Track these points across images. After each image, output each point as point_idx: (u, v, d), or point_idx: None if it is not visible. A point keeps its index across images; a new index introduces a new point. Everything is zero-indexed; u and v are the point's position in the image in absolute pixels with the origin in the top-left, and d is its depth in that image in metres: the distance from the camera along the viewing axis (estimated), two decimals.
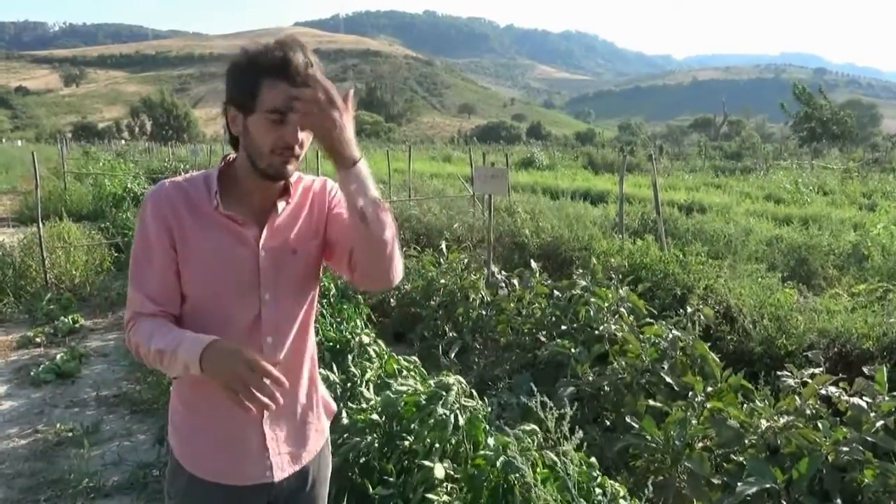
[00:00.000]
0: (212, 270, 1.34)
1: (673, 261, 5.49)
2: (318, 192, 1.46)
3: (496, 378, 3.94)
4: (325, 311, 3.95)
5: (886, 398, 2.56)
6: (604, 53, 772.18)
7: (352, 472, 2.51)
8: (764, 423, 2.60)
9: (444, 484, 2.26)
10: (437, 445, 2.40)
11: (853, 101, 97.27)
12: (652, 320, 3.83)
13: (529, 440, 2.34)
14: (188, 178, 1.38)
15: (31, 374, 4.72)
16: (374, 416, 2.60)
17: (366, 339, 3.31)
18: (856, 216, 10.60)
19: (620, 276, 4.52)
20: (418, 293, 5.27)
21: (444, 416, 2.38)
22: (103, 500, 3.19)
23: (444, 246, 6.27)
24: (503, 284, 5.05)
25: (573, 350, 3.51)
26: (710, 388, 2.99)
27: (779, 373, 3.02)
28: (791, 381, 2.87)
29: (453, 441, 2.43)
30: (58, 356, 4.92)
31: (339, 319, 3.90)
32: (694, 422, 2.70)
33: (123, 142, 60.67)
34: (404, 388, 2.65)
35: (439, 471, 2.22)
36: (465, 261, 5.75)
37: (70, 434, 3.83)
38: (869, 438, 2.41)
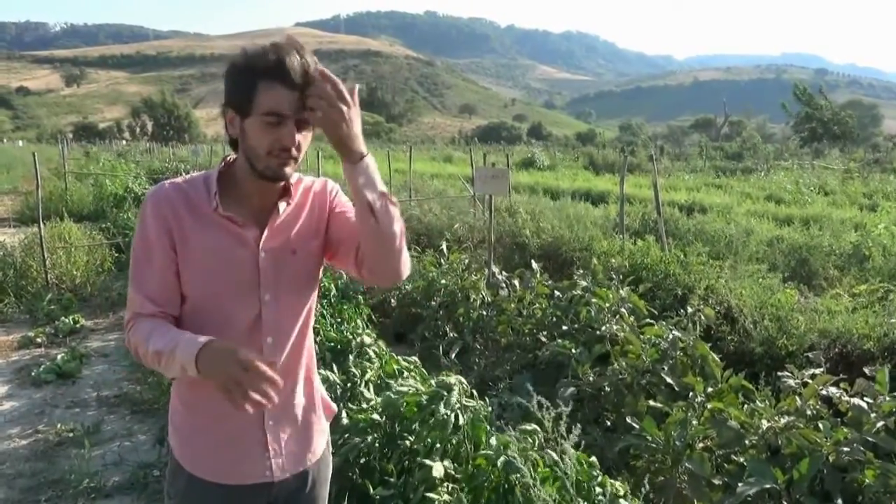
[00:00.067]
0: (211, 271, 1.34)
1: (674, 261, 5.48)
2: (318, 193, 1.46)
3: (497, 378, 3.94)
4: (325, 312, 3.95)
5: (887, 398, 2.56)
6: (605, 54, 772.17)
7: (352, 472, 2.51)
8: (765, 424, 2.60)
9: (445, 484, 2.26)
10: (437, 445, 2.41)
11: (854, 101, 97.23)
12: (652, 321, 3.83)
13: (530, 440, 2.35)
14: (188, 179, 1.39)
15: (32, 374, 4.73)
16: (375, 417, 2.60)
17: (367, 340, 3.31)
18: (857, 216, 10.60)
19: (621, 277, 4.52)
20: (419, 293, 5.27)
21: (445, 416, 2.38)
22: (104, 500, 3.19)
23: (444, 246, 6.27)
24: (504, 285, 5.05)
25: (574, 350, 3.51)
26: (710, 389, 2.99)
27: (779, 373, 3.02)
28: (792, 382, 2.87)
29: (454, 441, 2.43)
30: (58, 356, 4.93)
31: (339, 320, 3.91)
32: (694, 422, 2.70)
33: (124, 142, 60.75)
34: (405, 389, 2.65)
35: (438, 470, 2.22)
36: (466, 261, 5.75)
37: (71, 434, 3.83)
38: (870, 439, 2.41)
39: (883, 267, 6.13)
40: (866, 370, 2.86)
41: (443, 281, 5.19)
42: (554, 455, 2.21)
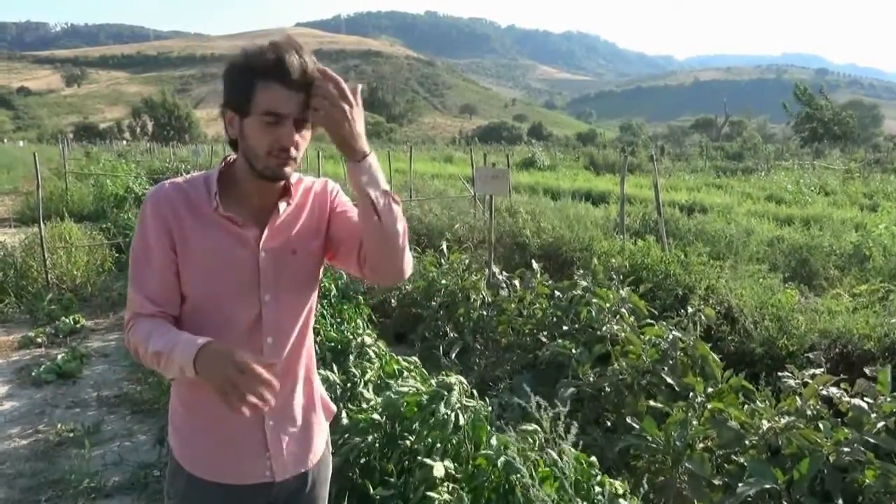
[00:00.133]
0: (211, 271, 1.34)
1: (674, 261, 5.48)
2: (319, 193, 1.46)
3: (497, 378, 3.93)
4: (325, 312, 3.95)
5: (888, 399, 2.55)
6: (605, 54, 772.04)
7: (352, 472, 2.51)
8: (765, 424, 2.59)
9: (446, 483, 2.26)
10: (438, 445, 2.40)
11: (855, 101, 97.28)
12: (653, 321, 3.83)
13: (530, 440, 2.34)
14: (188, 179, 1.38)
15: (33, 374, 4.73)
16: (375, 417, 2.60)
17: (368, 340, 3.31)
18: (857, 217, 10.59)
19: (621, 277, 4.52)
20: (419, 294, 5.27)
21: (445, 416, 2.38)
22: (104, 500, 3.19)
23: (445, 246, 6.27)
24: (504, 285, 5.05)
25: (574, 351, 3.51)
26: (710, 389, 2.99)
27: (780, 373, 3.02)
28: (792, 382, 2.87)
29: (454, 441, 2.43)
30: (59, 356, 4.93)
31: (339, 320, 3.91)
32: (695, 422, 2.70)
33: (125, 142, 60.78)
34: (405, 389, 2.65)
35: (438, 470, 2.22)
36: (466, 261, 5.75)
37: (71, 434, 3.84)
38: (870, 439, 2.41)
39: (883, 267, 6.12)
40: (867, 370, 2.86)
41: (443, 281, 5.19)
42: (554, 454, 2.21)
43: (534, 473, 2.17)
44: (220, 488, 1.41)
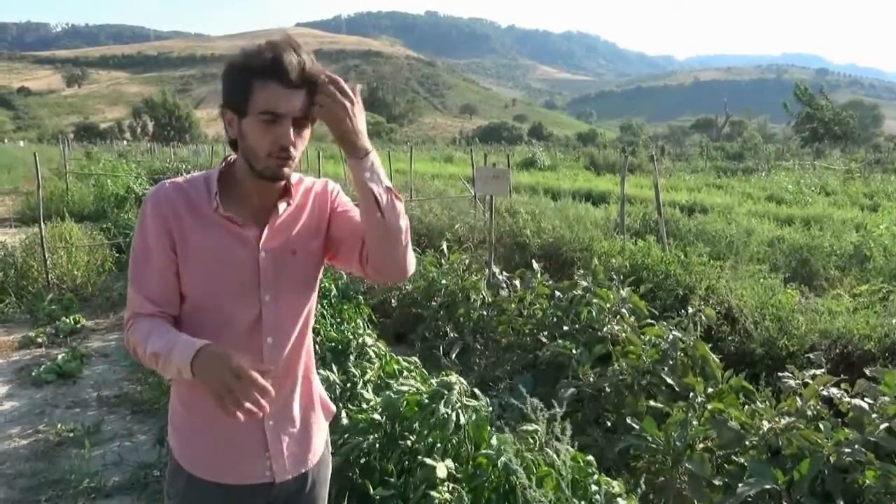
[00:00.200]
0: (211, 271, 1.34)
1: (674, 261, 5.48)
2: (319, 193, 1.46)
3: (497, 379, 3.93)
4: (325, 312, 3.95)
5: (889, 399, 2.55)
6: (605, 54, 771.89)
7: (352, 472, 2.51)
8: (765, 425, 2.59)
9: (446, 483, 2.26)
10: (438, 445, 2.40)
11: (855, 101, 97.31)
12: (653, 321, 3.83)
13: (530, 440, 2.34)
14: (188, 179, 1.38)
15: (33, 374, 4.73)
16: (375, 417, 2.60)
17: (368, 340, 3.31)
18: (858, 217, 10.58)
19: (622, 277, 4.52)
20: (419, 294, 5.27)
21: (446, 415, 2.38)
22: (104, 500, 3.19)
23: (445, 247, 6.27)
24: (504, 285, 5.05)
25: (574, 351, 3.51)
26: (711, 389, 2.99)
27: (780, 374, 3.01)
28: (792, 383, 2.86)
29: (455, 441, 2.43)
30: (59, 356, 4.93)
31: (339, 320, 3.90)
32: (695, 423, 2.70)
33: (125, 142, 60.81)
34: (405, 388, 2.65)
35: (441, 470, 2.22)
36: (467, 261, 5.75)
37: (71, 434, 3.84)
38: (871, 439, 2.41)
39: (884, 267, 6.12)
40: (867, 371, 2.86)
41: (443, 281, 5.19)
42: (552, 454, 2.21)
43: (532, 473, 2.17)
44: (219, 488, 1.41)
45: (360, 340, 3.28)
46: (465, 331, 4.63)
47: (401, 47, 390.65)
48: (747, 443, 2.62)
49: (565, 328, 4.01)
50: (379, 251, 1.35)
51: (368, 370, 3.06)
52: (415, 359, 3.21)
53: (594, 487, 2.19)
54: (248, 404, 1.12)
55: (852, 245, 7.04)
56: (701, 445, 2.78)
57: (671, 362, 3.28)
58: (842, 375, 2.86)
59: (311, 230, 1.43)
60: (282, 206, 1.38)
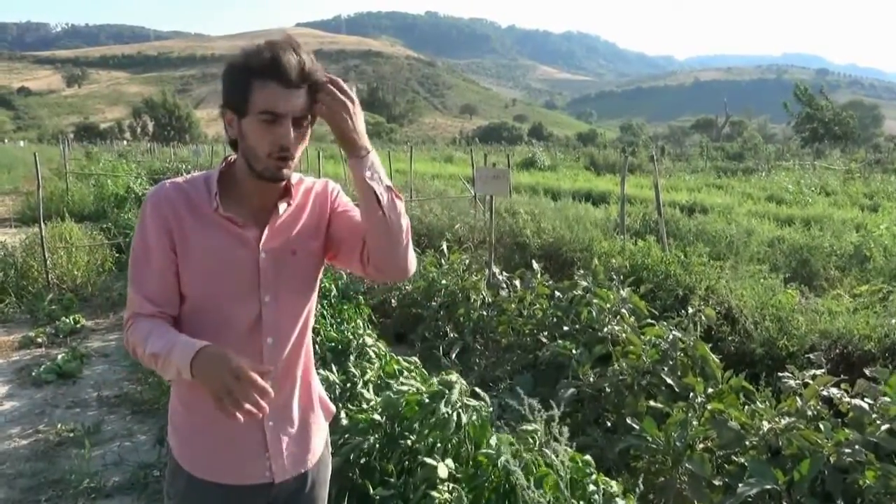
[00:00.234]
0: (211, 272, 1.34)
1: (674, 261, 5.48)
2: (319, 193, 1.46)
3: (497, 379, 3.93)
4: (325, 312, 3.95)
5: (889, 400, 2.55)
6: (605, 54, 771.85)
7: (352, 472, 2.51)
8: (765, 425, 2.59)
9: (446, 483, 2.26)
10: (438, 445, 2.40)
11: (855, 101, 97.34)
12: (653, 321, 3.83)
13: (530, 440, 2.34)
14: (189, 179, 1.38)
15: (33, 374, 4.73)
16: (375, 417, 2.60)
17: (368, 341, 3.31)
18: (858, 217, 10.58)
19: (622, 277, 4.52)
20: (419, 294, 5.27)
21: (446, 415, 2.38)
22: (104, 500, 3.19)
23: (445, 247, 6.27)
24: (504, 285, 5.05)
25: (574, 351, 3.51)
26: (711, 390, 2.99)
27: (780, 374, 3.01)
28: (792, 383, 2.86)
29: (455, 440, 2.43)
30: (59, 356, 4.93)
31: (339, 320, 3.90)
32: (695, 423, 2.70)
33: (125, 142, 60.81)
34: (405, 388, 2.65)
35: (443, 469, 2.22)
36: (467, 261, 5.75)
37: (71, 434, 3.84)
38: (871, 440, 2.41)
39: (884, 268, 6.12)
40: (867, 371, 2.86)
41: (443, 281, 5.19)
42: (551, 454, 2.21)
43: (531, 474, 2.17)
44: (219, 489, 1.41)
45: (360, 340, 3.28)
46: (465, 331, 4.62)
47: (401, 47, 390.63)
48: (747, 443, 2.62)
49: (565, 328, 4.01)
50: (380, 250, 1.35)
51: (368, 370, 3.06)
52: (415, 359, 3.21)
53: (592, 487, 2.19)
54: (247, 405, 1.12)
55: (852, 245, 7.04)
56: (701, 446, 2.78)
57: (671, 362, 3.28)
58: (842, 376, 2.86)
59: (312, 230, 1.43)
60: (282, 206, 1.38)
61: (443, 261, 5.73)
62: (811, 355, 3.33)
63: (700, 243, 6.54)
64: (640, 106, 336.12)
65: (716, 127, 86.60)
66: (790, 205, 12.93)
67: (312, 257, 1.44)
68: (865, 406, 2.56)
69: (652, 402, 3.10)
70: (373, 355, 3.21)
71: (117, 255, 7.74)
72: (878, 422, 2.49)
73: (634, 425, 2.82)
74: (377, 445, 2.54)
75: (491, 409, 2.72)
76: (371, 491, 2.39)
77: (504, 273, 5.32)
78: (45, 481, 3.34)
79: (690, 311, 3.77)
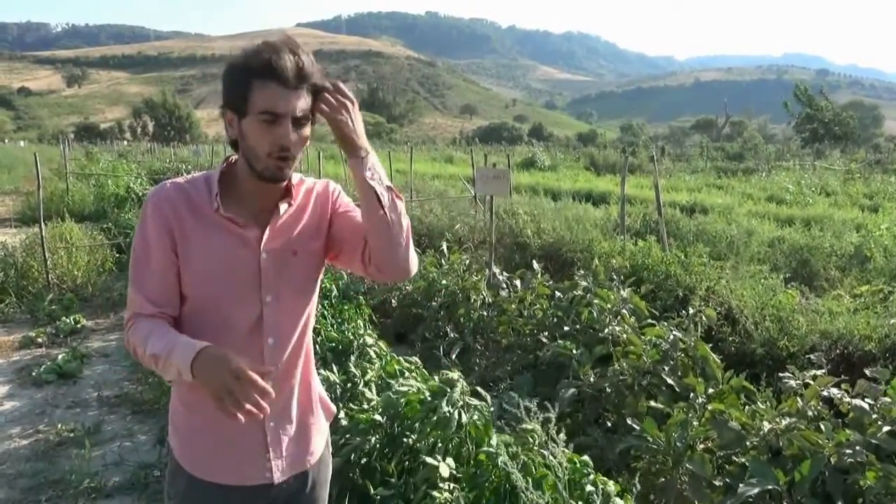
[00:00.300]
0: (212, 272, 1.34)
1: (675, 262, 5.48)
2: (320, 194, 1.46)
3: (497, 379, 3.93)
4: (326, 312, 3.95)
5: (890, 401, 2.55)
6: (605, 54, 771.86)
7: (353, 472, 2.51)
8: (766, 425, 2.59)
9: (447, 483, 2.26)
10: (439, 444, 2.40)
11: (855, 102, 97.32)
12: (653, 321, 3.82)
13: (530, 440, 2.34)
14: (189, 179, 1.38)
15: (33, 374, 4.73)
16: (376, 417, 2.60)
17: (369, 341, 3.31)
18: (858, 217, 10.58)
19: (622, 278, 4.52)
20: (420, 294, 5.27)
21: (448, 414, 2.38)
22: (104, 500, 3.19)
23: (445, 247, 6.27)
24: (504, 285, 5.05)
25: (575, 351, 3.51)
26: (711, 390, 2.98)
27: (780, 374, 3.01)
28: (793, 383, 2.86)
29: (456, 440, 2.42)
30: (59, 356, 4.93)
31: (340, 320, 3.90)
32: (695, 423, 2.69)
33: (126, 142, 60.80)
34: (406, 388, 2.64)
35: (444, 469, 2.22)
36: (467, 262, 5.75)
37: (71, 434, 3.84)
38: (872, 440, 2.41)
39: (884, 268, 6.12)
40: (868, 371, 2.86)
41: (443, 281, 5.19)
42: (550, 455, 2.21)
43: (530, 474, 2.17)
44: (220, 489, 1.41)
45: (361, 341, 3.28)
46: (465, 331, 4.62)
47: (401, 47, 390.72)
48: (748, 443, 2.62)
49: (566, 328, 4.01)
50: (381, 250, 1.35)
51: (369, 370, 3.06)
52: (415, 359, 3.21)
53: (590, 488, 2.19)
54: (248, 406, 1.12)
55: (853, 245, 7.03)
56: (701, 446, 2.78)
57: (672, 363, 3.28)
58: (842, 376, 2.86)
59: (313, 231, 1.43)
60: (283, 206, 1.38)
61: (443, 261, 5.73)
62: (812, 356, 3.32)
63: (700, 243, 6.53)
64: (641, 106, 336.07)
65: (716, 127, 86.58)
66: (790, 205, 12.93)
67: (313, 258, 1.44)
68: (866, 407, 2.56)
69: (652, 403, 3.10)
70: (373, 355, 3.21)
71: (117, 255, 7.74)
72: (878, 422, 2.49)
73: (635, 425, 2.82)
74: (378, 445, 2.54)
75: (492, 408, 2.72)
76: (372, 491, 2.39)
77: (504, 273, 5.32)
78: (46, 481, 3.34)
79: (691, 311, 3.77)
